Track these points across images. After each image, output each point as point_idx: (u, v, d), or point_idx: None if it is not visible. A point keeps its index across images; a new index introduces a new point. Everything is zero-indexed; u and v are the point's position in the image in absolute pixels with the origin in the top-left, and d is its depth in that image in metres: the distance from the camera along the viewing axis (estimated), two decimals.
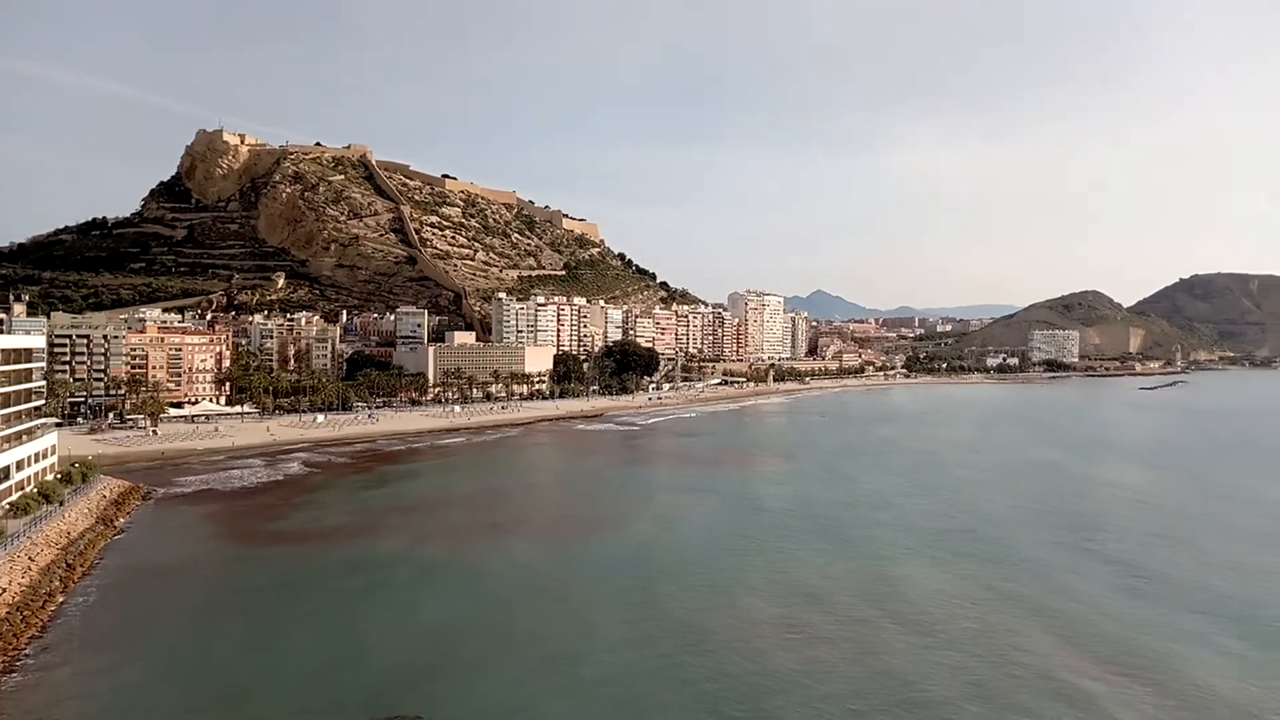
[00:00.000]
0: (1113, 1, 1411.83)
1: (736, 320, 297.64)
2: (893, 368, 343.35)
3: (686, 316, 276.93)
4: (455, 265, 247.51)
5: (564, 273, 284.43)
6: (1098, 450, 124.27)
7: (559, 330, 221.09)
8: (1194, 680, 38.19)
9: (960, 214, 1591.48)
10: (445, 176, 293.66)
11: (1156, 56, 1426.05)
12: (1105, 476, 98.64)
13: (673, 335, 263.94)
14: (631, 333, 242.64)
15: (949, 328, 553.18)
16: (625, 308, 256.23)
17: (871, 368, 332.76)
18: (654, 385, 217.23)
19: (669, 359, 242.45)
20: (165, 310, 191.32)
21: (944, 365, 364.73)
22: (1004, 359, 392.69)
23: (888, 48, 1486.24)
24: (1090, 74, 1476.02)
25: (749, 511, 76.96)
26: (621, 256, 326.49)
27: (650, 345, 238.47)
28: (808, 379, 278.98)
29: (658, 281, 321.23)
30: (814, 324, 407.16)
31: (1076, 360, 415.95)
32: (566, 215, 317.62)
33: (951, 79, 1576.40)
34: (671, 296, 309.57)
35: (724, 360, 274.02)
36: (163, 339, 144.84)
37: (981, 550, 61.49)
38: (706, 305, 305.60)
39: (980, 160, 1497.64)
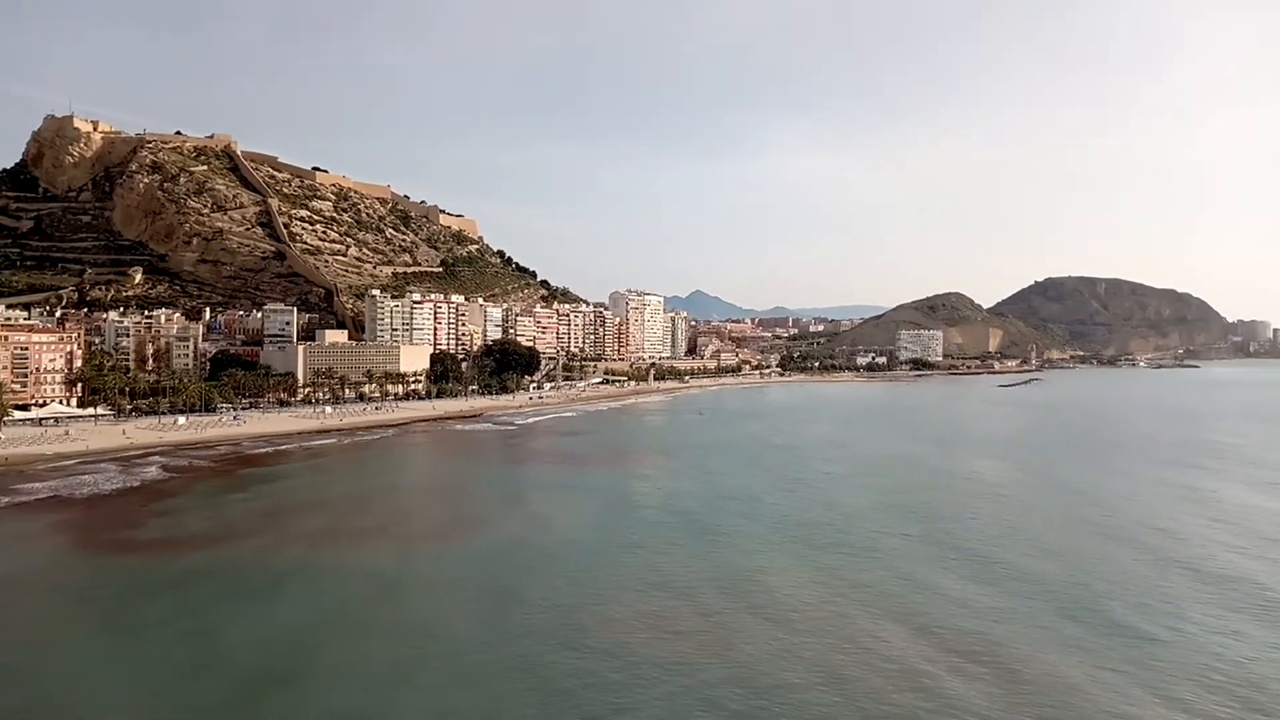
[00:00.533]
0: (965, 7, 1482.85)
1: (618, 319, 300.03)
2: (768, 367, 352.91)
3: (568, 315, 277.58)
4: (326, 261, 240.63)
5: (441, 270, 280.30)
6: (958, 445, 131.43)
7: (436, 328, 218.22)
8: (1044, 668, 40.70)
9: (832, 216, 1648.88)
10: (316, 169, 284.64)
11: (999, 66, 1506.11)
12: (964, 470, 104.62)
13: (554, 334, 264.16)
14: (512, 331, 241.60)
15: (821, 328, 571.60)
16: (505, 306, 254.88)
17: (748, 366, 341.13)
18: (535, 385, 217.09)
19: (550, 358, 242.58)
20: (9, 307, 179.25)
21: (817, 364, 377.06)
22: (873, 358, 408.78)
23: (760, 51, 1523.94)
24: (944, 81, 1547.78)
25: (623, 509, 78.40)
26: (501, 254, 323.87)
27: (531, 344, 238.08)
28: (687, 378, 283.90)
29: (538, 280, 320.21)
30: (693, 324, 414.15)
31: (940, 359, 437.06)
32: (444, 211, 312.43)
33: (819, 83, 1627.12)
34: (552, 295, 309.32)
35: (605, 359, 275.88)
36: (6, 337, 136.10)
37: (843, 543, 64.62)
38: (588, 304, 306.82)
39: (849, 163, 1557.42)
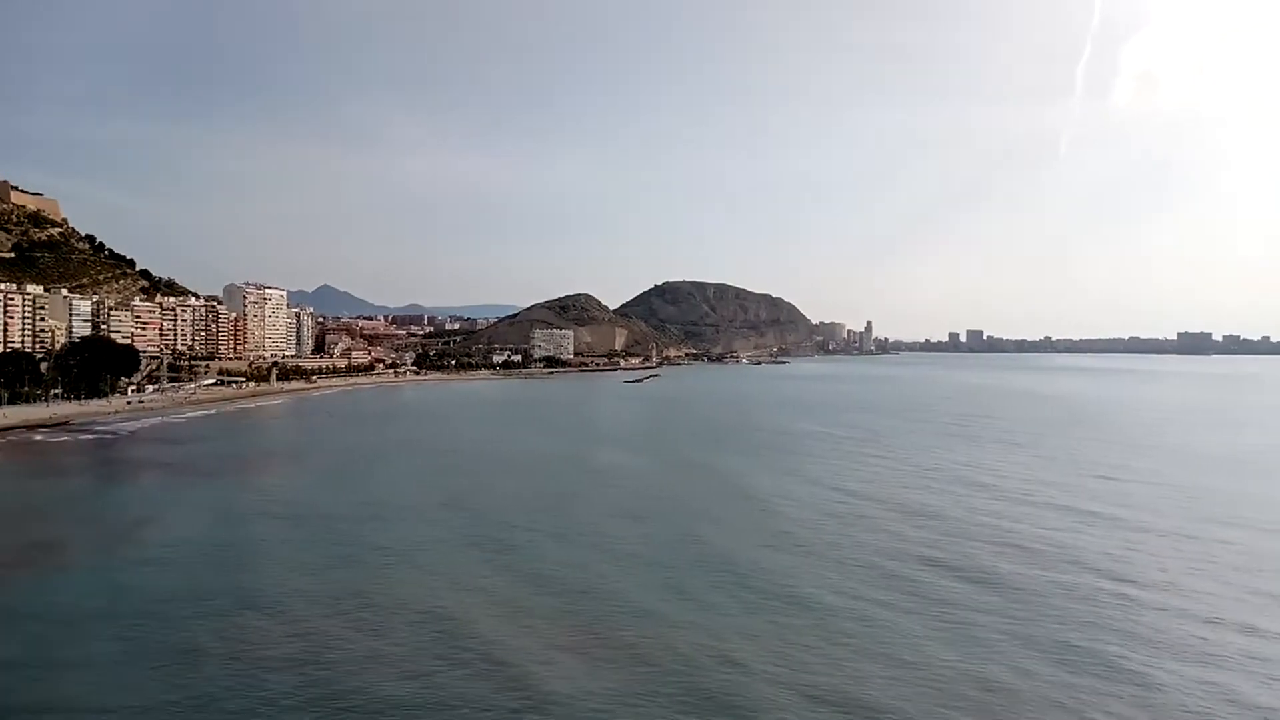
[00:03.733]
0: (586, 21, 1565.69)
1: (234, 315, 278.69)
2: (403, 365, 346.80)
3: (174, 310, 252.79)
4: None
5: (13, 255, 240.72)
6: (592, 437, 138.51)
7: (6, 323, 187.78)
8: (672, 644, 42.52)
9: (465, 213, 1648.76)
10: None
11: (617, 78, 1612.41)
12: (598, 462, 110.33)
13: (157, 330, 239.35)
14: (105, 327, 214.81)
15: (458, 326, 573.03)
16: (96, 298, 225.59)
17: (381, 365, 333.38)
18: (135, 387, 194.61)
19: (153, 357, 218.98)
20: None
21: (454, 362, 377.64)
22: (509, 356, 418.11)
23: (379, 39, 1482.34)
24: (565, 90, 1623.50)
25: (234, 524, 70.99)
26: (91, 239, 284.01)
27: (129, 342, 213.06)
28: (315, 378, 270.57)
29: (137, 269, 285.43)
30: (320, 320, 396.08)
31: (572, 357, 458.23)
32: (16, 188, 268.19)
33: (450, 77, 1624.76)
34: (155, 287, 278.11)
35: (220, 359, 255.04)
36: None
37: (481, 540, 64.86)
38: (198, 298, 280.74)
39: (480, 161, 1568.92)
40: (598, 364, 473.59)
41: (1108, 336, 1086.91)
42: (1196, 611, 47.26)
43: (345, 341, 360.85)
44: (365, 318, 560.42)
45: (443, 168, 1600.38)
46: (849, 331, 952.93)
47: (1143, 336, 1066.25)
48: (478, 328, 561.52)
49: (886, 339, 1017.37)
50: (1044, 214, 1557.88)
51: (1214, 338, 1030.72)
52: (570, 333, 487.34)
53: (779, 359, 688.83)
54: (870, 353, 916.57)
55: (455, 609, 48.17)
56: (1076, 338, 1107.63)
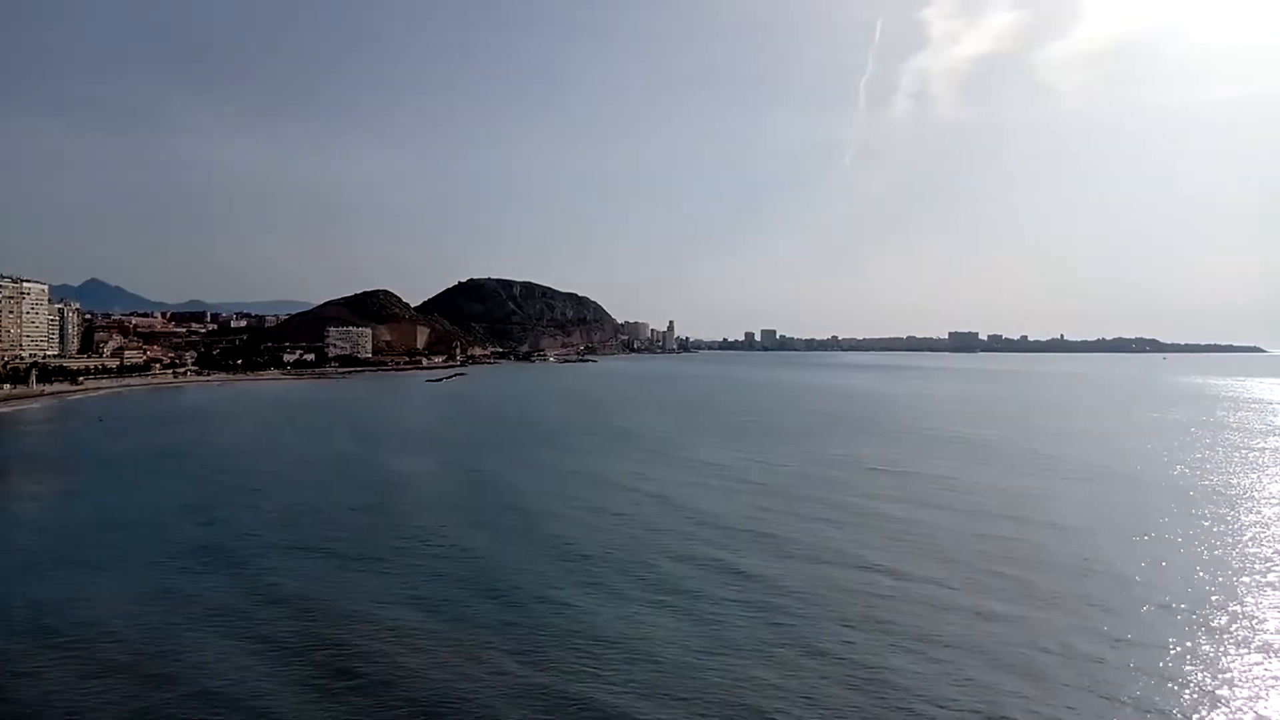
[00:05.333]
0: (400, 16, 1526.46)
1: None
2: (184, 365, 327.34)
3: None
4: None
5: None
6: (396, 441, 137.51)
7: None
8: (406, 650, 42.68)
9: (254, 206, 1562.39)
10: None
11: (431, 75, 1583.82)
12: (400, 466, 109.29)
13: None
14: None
15: (245, 323, 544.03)
16: None
17: (159, 365, 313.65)
18: None
19: None
20: None
21: (240, 361, 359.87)
22: (301, 355, 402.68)
23: (161, 14, 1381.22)
24: (375, 83, 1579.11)
25: None
26: None
27: None
28: (82, 379, 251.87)
29: None
30: (88, 317, 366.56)
31: (371, 356, 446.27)
32: None
33: (236, 59, 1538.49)
34: None
35: None
36: None
37: (264, 553, 62.26)
38: None
39: (272, 152, 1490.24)
40: (398, 363, 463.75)
41: (888, 336, 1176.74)
42: (912, 588, 52.05)
43: (117, 340, 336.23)
44: (140, 314, 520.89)
45: (227, 155, 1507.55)
46: (653, 331, 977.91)
47: (919, 336, 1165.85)
48: (266, 325, 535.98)
49: (688, 338, 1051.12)
50: (833, 220, 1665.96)
51: (980, 336, 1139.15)
52: (368, 330, 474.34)
53: (586, 358, 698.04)
54: (673, 351, 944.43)
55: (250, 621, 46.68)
56: (860, 336, 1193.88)
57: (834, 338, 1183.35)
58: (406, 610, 47.99)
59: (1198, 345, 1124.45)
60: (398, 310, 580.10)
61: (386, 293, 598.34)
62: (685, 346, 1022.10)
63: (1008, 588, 51.79)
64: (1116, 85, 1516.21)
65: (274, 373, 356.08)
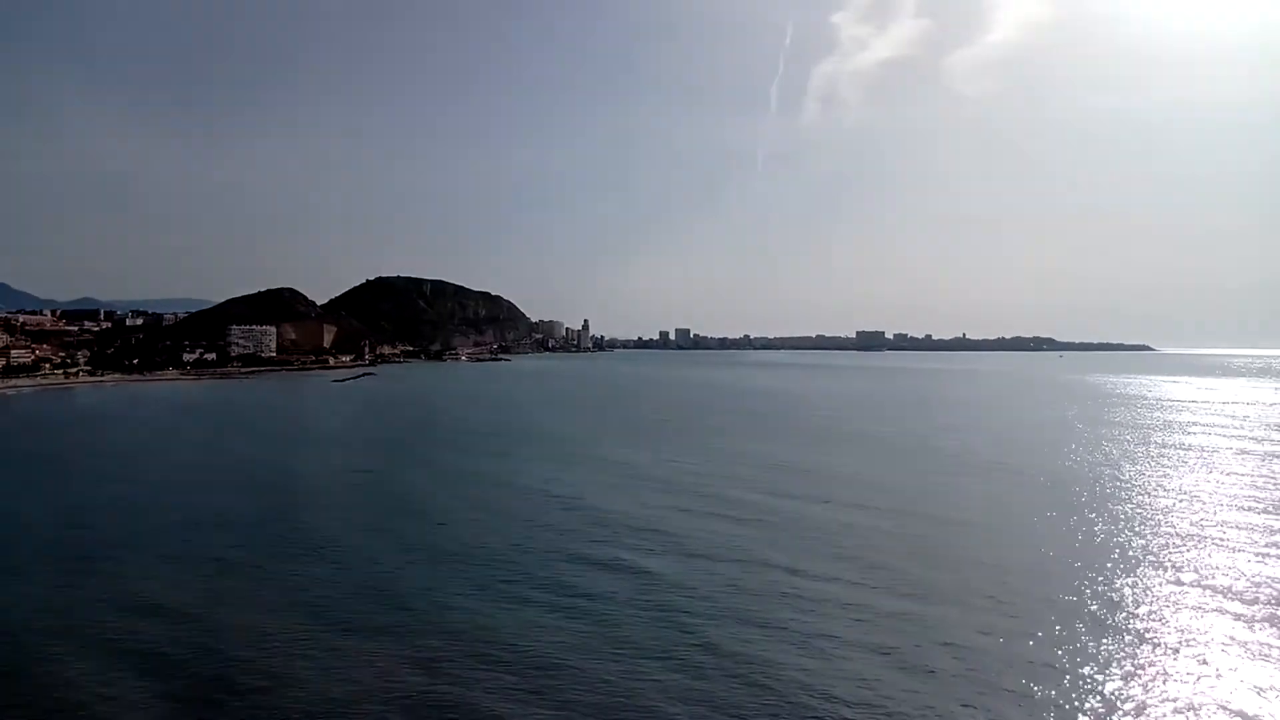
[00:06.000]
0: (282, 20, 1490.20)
1: None
2: (76, 365, 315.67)
3: None
4: None
5: None
6: (296, 443, 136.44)
7: None
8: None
9: (149, 200, 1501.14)
10: None
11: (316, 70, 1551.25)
12: (298, 469, 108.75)
13: None
14: None
15: (141, 321, 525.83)
16: None
17: (49, 365, 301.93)
18: None
19: None
20: None
21: (136, 361, 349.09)
22: (201, 354, 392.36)
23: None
24: (257, 78, 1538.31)
25: None
26: None
27: None
28: None
29: None
30: None
31: (276, 355, 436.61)
32: None
33: (140, 56, 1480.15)
34: None
35: None
36: None
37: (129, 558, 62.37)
38: None
39: (165, 140, 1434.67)
40: (303, 362, 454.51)
41: (799, 335, 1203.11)
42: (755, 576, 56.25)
43: (2, 339, 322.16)
44: (28, 312, 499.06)
45: (120, 148, 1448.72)
46: (568, 330, 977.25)
47: (828, 335, 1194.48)
48: (165, 323, 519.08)
49: (603, 337, 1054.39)
50: (746, 220, 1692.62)
51: (887, 335, 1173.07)
52: (273, 329, 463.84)
53: (500, 357, 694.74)
54: (588, 350, 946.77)
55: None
56: (772, 335, 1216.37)
57: (747, 337, 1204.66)
58: (294, 617, 48.14)
59: (1090, 344, 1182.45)
60: (304, 308, 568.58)
61: (292, 290, 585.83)
62: (600, 345, 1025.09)
63: (899, 583, 53.81)
64: (1017, 92, 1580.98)
65: (172, 373, 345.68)
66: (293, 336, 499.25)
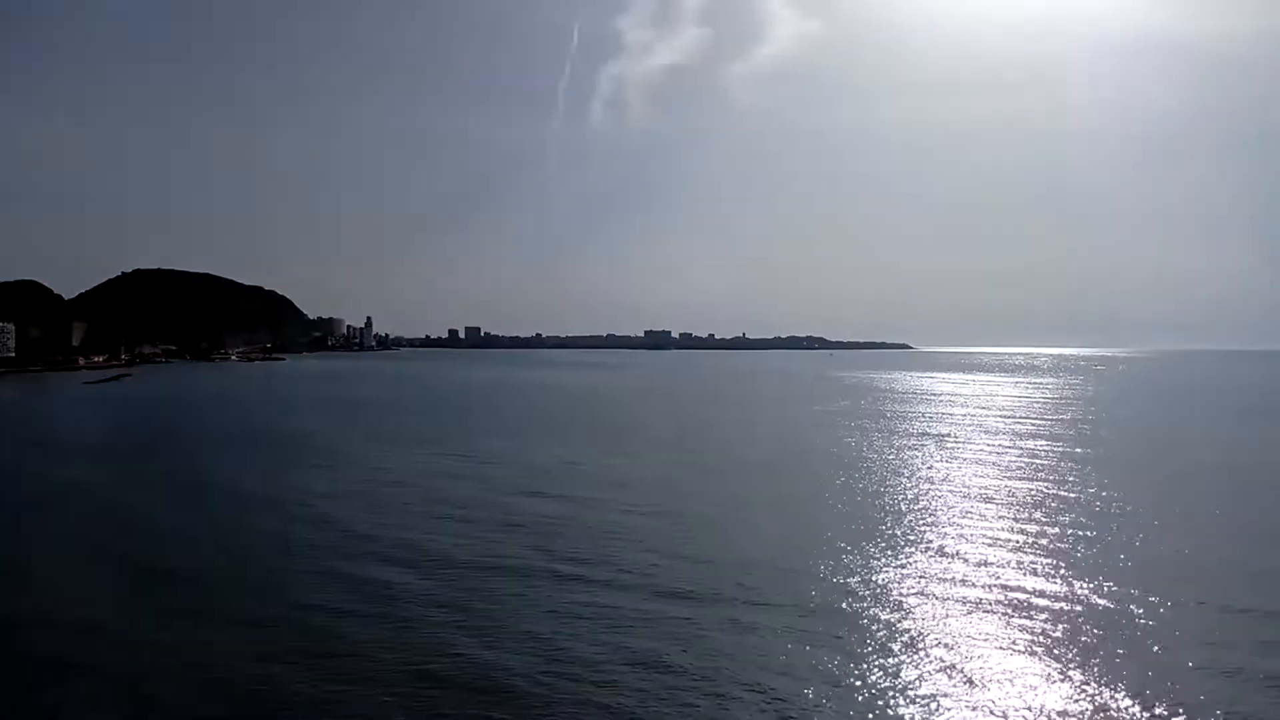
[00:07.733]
0: None
1: None
2: None
3: None
4: None
5: None
6: (29, 455, 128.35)
7: None
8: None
9: None
10: None
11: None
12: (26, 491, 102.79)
13: None
14: None
15: None
16: None
17: None
18: None
19: None
20: None
21: None
22: None
23: None
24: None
25: None
26: None
27: None
28: None
29: None
30: None
31: (15, 355, 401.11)
32: None
33: None
34: None
35: None
36: None
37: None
38: None
39: None
40: (50, 363, 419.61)
41: (589, 334, 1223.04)
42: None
43: None
44: None
45: None
46: (349, 327, 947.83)
47: (618, 334, 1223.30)
48: None
49: (388, 335, 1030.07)
50: (538, 219, 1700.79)
51: (673, 335, 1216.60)
52: (11, 327, 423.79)
53: (274, 356, 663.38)
54: (371, 349, 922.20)
55: None
56: (563, 334, 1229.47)
57: (538, 335, 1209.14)
58: None
59: (858, 343, 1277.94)
60: (48, 304, 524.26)
61: (34, 284, 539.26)
62: (385, 344, 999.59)
63: (643, 584, 51.68)
64: (791, 104, 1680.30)
65: None
66: (35, 335, 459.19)
